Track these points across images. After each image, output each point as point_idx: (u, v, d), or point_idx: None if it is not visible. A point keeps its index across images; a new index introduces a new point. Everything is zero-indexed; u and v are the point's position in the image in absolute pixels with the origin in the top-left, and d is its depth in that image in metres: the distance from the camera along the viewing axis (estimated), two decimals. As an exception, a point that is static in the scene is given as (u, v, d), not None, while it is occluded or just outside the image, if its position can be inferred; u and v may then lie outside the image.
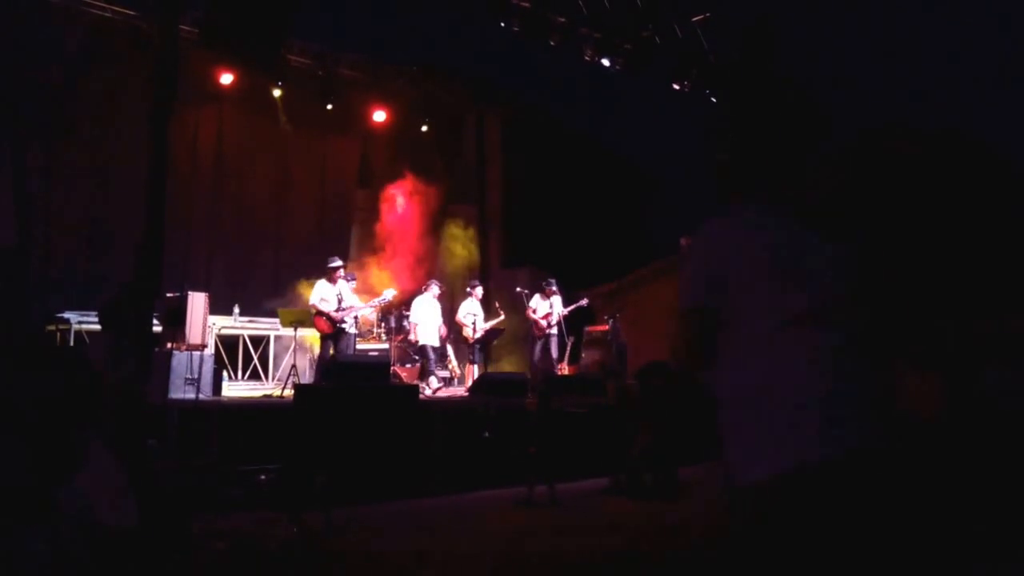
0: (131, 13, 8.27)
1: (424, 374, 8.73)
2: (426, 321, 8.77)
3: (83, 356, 5.58)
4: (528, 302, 9.28)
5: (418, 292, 9.17)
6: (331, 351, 7.76)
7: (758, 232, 1.54)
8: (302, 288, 8.46)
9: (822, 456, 1.20)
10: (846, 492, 1.23)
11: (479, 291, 9.25)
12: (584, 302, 9.58)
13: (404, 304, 9.49)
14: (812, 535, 1.22)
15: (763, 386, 1.34)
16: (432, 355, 8.80)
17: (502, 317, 9.22)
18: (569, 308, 9.33)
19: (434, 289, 9.00)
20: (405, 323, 9.55)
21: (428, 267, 10.68)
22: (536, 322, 9.18)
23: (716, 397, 1.50)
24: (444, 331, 9.03)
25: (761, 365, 1.37)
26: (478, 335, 9.02)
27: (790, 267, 1.47)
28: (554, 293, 9.22)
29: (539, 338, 9.22)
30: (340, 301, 7.78)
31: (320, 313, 7.74)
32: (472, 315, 9.07)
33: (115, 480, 1.97)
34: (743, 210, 1.62)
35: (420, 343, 8.78)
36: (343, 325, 7.80)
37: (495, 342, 9.62)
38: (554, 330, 9.18)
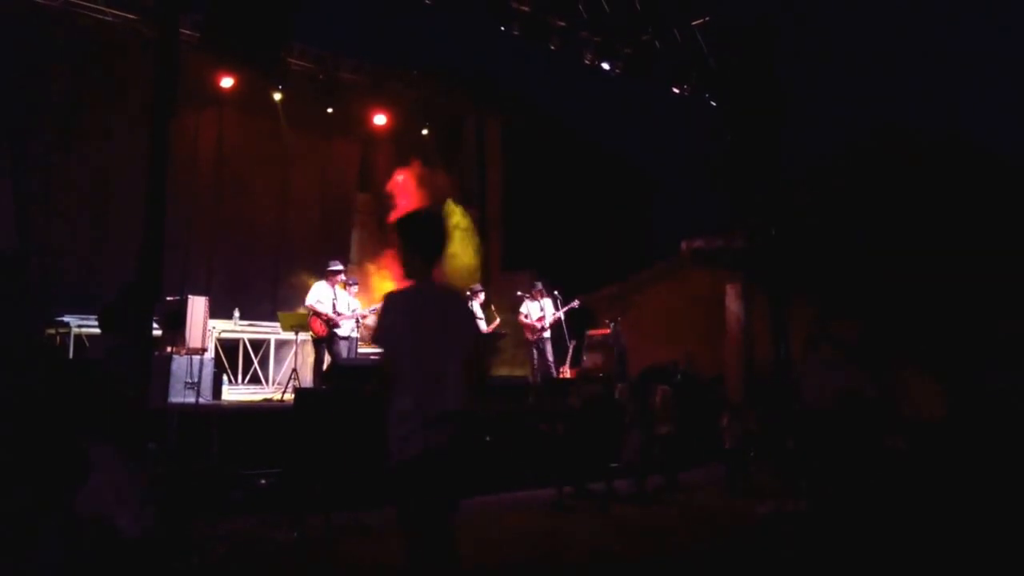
0: (132, 16, 8.28)
1: None
2: None
3: (87, 360, 5.58)
4: (519, 307, 9.25)
5: None
6: (326, 355, 7.73)
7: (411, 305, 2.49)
8: (303, 292, 8.44)
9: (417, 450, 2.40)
10: (429, 470, 2.42)
11: (481, 295, 9.22)
12: (576, 304, 9.53)
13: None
14: (421, 485, 2.46)
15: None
16: None
17: (498, 321, 9.18)
18: (563, 309, 9.30)
19: None
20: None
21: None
22: (528, 326, 9.15)
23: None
24: None
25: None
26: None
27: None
28: (543, 296, 9.19)
29: (533, 342, 9.18)
30: (335, 305, 7.77)
31: (316, 314, 7.72)
32: (477, 319, 9.05)
33: (132, 486, 1.97)
34: (411, 289, 2.53)
35: None
36: (337, 329, 7.75)
37: (498, 345, 9.58)
38: (547, 333, 9.14)
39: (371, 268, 10.53)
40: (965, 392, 5.22)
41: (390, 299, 2.53)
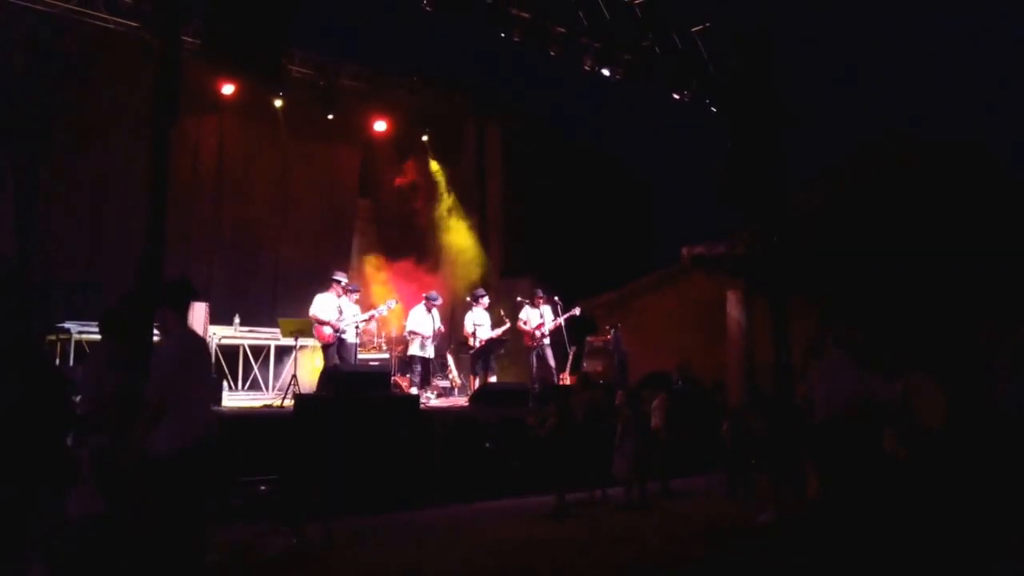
0: (133, 24, 8.31)
1: (420, 385, 8.70)
2: (419, 332, 8.70)
3: (49, 365, 5.60)
4: (519, 313, 9.22)
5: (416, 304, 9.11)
6: (335, 360, 7.73)
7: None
8: (303, 298, 8.43)
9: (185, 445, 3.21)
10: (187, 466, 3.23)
11: (485, 300, 9.17)
12: (576, 311, 9.49)
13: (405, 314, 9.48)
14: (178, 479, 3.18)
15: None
16: (419, 367, 8.72)
17: (507, 326, 9.13)
18: (563, 316, 9.26)
19: (428, 301, 8.97)
20: (406, 334, 9.51)
21: (429, 277, 10.67)
22: (527, 333, 9.12)
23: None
24: (441, 330, 8.97)
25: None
26: (477, 345, 8.97)
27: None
28: (544, 303, 9.18)
29: (532, 349, 9.16)
30: (340, 312, 7.81)
31: (320, 322, 7.76)
32: (476, 325, 9.01)
33: (79, 476, 1.98)
34: (177, 336, 3.47)
35: (409, 354, 8.73)
36: (343, 335, 7.79)
37: (502, 351, 9.51)
38: (546, 339, 9.13)
39: (371, 273, 10.53)
40: (968, 400, 5.19)
41: (176, 345, 3.45)
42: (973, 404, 5.19)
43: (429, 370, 8.99)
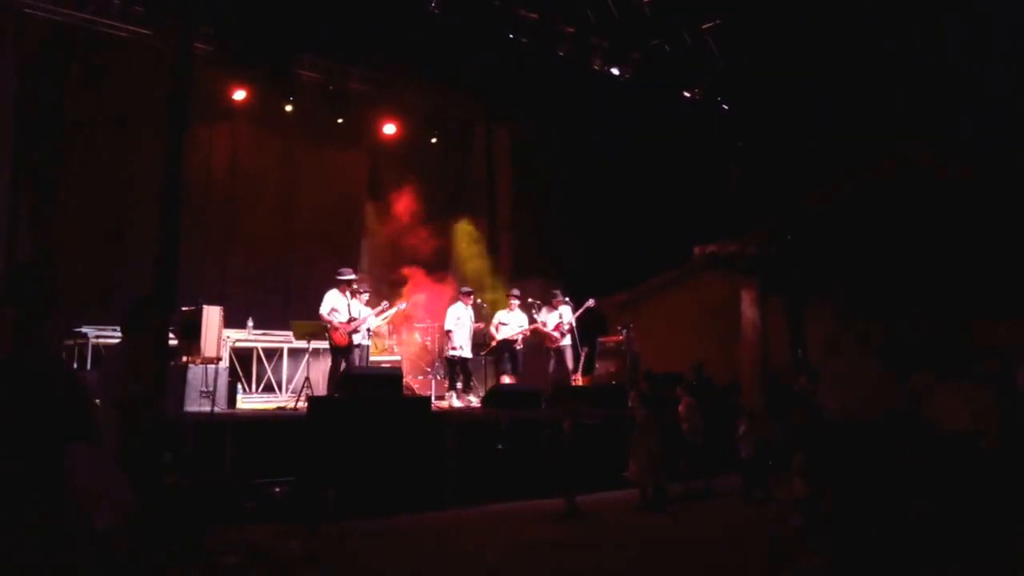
0: (147, 32, 8.41)
1: (452, 385, 8.64)
2: (460, 331, 8.69)
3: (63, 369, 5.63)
4: (536, 315, 9.19)
5: (451, 303, 9.01)
6: (343, 364, 7.71)
7: None
8: (315, 300, 8.45)
9: None
10: None
11: (515, 302, 9.09)
12: (591, 303, 9.43)
13: (416, 316, 9.48)
14: None
15: None
16: (458, 368, 8.68)
17: (525, 327, 9.09)
18: (579, 311, 9.21)
19: (462, 296, 8.94)
20: (417, 336, 9.50)
21: (439, 279, 10.66)
22: (548, 335, 9.09)
23: None
24: (481, 327, 8.96)
25: None
26: (492, 345, 8.96)
27: None
28: (562, 303, 9.14)
29: (552, 350, 9.15)
30: (350, 311, 7.73)
31: (332, 326, 7.69)
32: (500, 324, 8.97)
33: (106, 480, 1.97)
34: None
35: (450, 354, 8.69)
36: (355, 336, 7.74)
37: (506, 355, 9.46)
38: (567, 340, 9.10)
39: (380, 276, 10.54)
40: (989, 400, 5.09)
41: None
42: (995, 404, 5.09)
43: (468, 372, 8.80)
